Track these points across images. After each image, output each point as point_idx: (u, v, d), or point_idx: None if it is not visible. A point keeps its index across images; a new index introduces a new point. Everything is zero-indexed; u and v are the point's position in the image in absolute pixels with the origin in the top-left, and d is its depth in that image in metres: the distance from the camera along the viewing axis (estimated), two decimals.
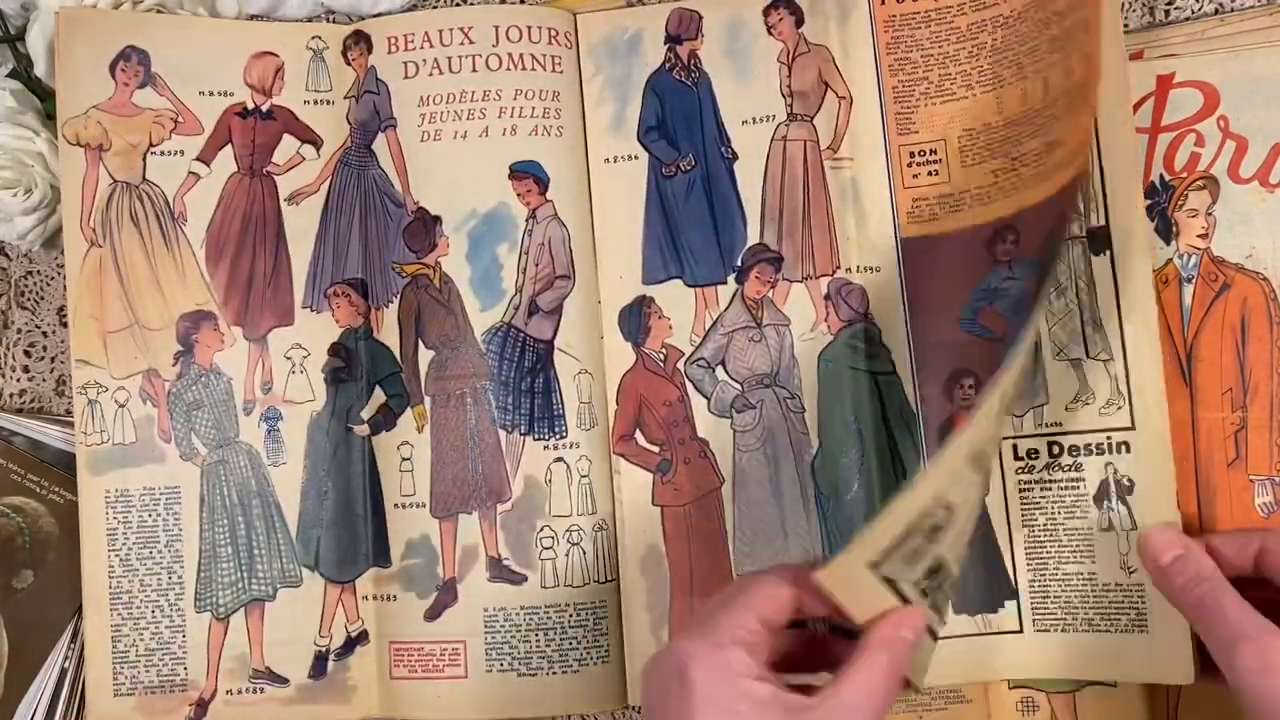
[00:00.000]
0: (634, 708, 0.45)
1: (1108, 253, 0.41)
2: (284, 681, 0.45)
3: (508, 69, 0.46)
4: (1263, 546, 0.37)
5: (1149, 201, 0.44)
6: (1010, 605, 0.41)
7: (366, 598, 0.46)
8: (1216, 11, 0.45)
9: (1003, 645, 0.41)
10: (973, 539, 0.36)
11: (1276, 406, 0.42)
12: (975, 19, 0.43)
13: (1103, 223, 0.42)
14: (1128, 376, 0.41)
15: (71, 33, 0.45)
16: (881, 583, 0.33)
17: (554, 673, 0.43)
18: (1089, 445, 0.41)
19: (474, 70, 0.46)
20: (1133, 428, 0.41)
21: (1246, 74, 0.43)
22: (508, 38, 0.46)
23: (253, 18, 0.49)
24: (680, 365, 0.44)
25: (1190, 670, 0.39)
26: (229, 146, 0.47)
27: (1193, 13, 0.45)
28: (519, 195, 0.46)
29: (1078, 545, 0.41)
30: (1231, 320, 0.42)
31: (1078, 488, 0.41)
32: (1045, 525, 0.41)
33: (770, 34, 0.45)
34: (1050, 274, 0.38)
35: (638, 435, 0.44)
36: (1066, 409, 0.42)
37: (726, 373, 0.44)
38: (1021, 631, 0.41)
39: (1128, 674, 0.41)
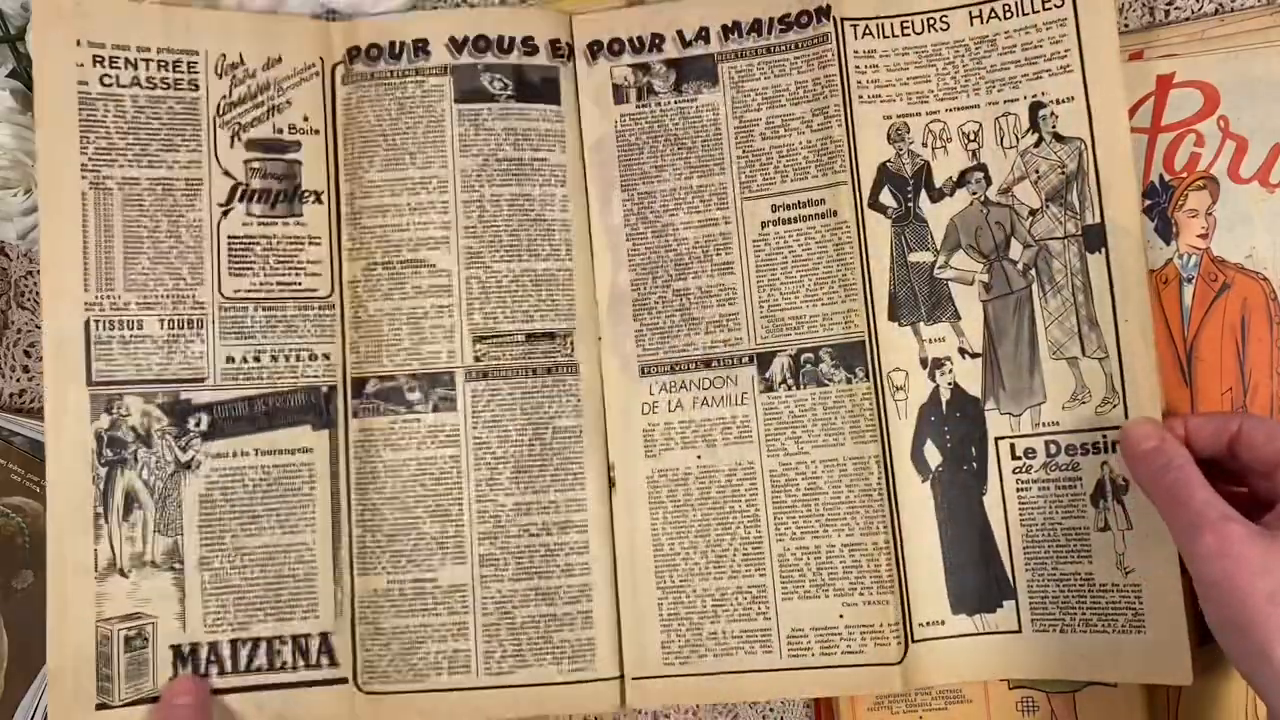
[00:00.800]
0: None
1: (1103, 250, 0.41)
2: None
3: None
4: (1241, 428, 0.37)
5: (1149, 202, 0.44)
6: (1009, 605, 0.41)
7: None
8: (1216, 11, 0.44)
9: (1002, 645, 0.41)
10: None
11: (1276, 407, 0.42)
12: None
13: (1098, 220, 0.41)
14: (1122, 375, 0.41)
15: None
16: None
17: None
18: (1085, 444, 0.41)
19: None
20: None
21: (1246, 74, 0.42)
22: None
23: None
24: None
25: (1188, 671, 0.39)
26: None
27: (1193, 13, 0.45)
28: None
29: (1075, 545, 0.41)
30: (1231, 320, 0.42)
31: (1074, 487, 0.41)
32: (1043, 525, 0.41)
33: None
34: None
35: None
36: (1063, 408, 0.41)
37: None
38: (1020, 631, 0.41)
39: (1125, 674, 0.40)
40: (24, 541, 0.44)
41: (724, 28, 0.45)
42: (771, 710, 0.45)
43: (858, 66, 0.44)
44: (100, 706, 0.40)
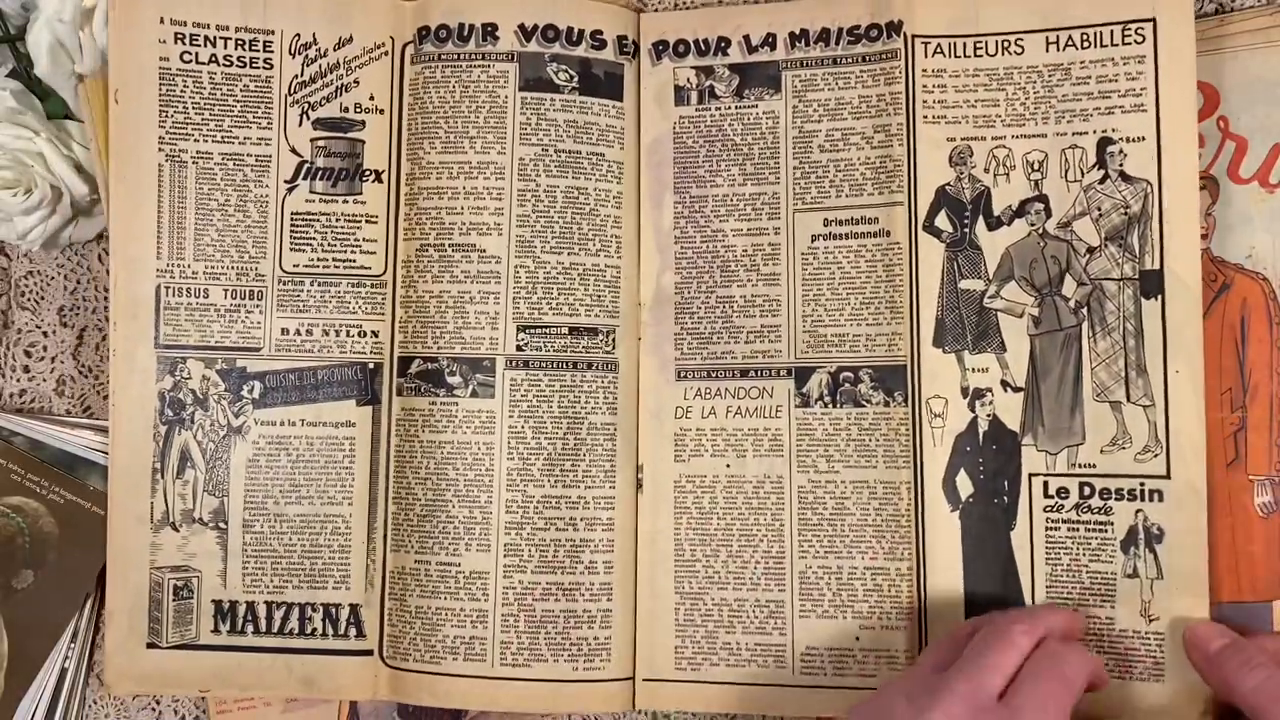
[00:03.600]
0: None
1: (1159, 297, 0.41)
2: None
3: None
4: None
5: None
6: None
7: None
8: (1216, 11, 0.43)
9: None
10: None
11: (1276, 406, 0.41)
12: None
13: (1157, 266, 0.41)
14: (1167, 424, 0.40)
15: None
16: None
17: None
18: (1120, 490, 0.41)
19: None
20: (1168, 476, 0.40)
21: (1246, 74, 0.42)
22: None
23: None
24: None
25: None
26: None
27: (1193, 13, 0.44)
28: None
29: (1100, 589, 0.40)
30: (1231, 320, 0.42)
31: (1105, 531, 0.41)
32: (1069, 566, 0.41)
33: None
34: None
35: None
36: (1102, 451, 0.41)
37: None
38: None
39: None
40: (24, 541, 0.44)
41: (791, 35, 0.44)
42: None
43: (925, 85, 0.43)
44: (150, 645, 0.43)
